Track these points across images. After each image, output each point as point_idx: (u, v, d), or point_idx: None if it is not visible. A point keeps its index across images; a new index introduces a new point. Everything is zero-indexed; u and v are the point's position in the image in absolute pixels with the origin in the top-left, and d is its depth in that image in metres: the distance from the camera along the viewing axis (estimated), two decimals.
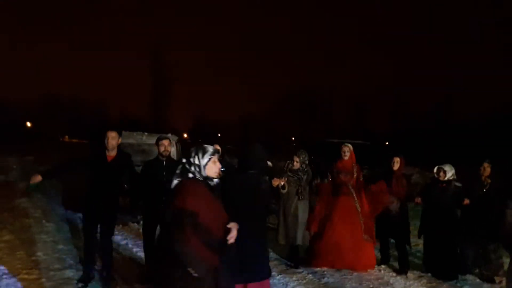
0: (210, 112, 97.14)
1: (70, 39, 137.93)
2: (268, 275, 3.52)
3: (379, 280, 5.37)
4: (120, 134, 4.79)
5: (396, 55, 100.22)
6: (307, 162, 5.93)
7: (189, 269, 2.44)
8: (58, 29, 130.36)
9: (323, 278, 5.39)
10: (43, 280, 4.76)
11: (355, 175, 5.87)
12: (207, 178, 2.73)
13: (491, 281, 5.47)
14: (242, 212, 3.36)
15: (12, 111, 55.44)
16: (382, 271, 5.70)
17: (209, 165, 2.73)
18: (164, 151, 4.90)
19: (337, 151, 6.08)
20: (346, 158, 5.90)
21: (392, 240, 6.03)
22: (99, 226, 4.68)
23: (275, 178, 5.29)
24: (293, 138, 50.69)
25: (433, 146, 36.26)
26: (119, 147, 4.77)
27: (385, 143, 42.48)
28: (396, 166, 5.88)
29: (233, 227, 2.73)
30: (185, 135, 60.11)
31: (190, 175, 2.69)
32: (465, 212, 5.74)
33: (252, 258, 3.37)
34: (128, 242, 6.55)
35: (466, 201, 5.51)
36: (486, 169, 5.66)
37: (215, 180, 2.77)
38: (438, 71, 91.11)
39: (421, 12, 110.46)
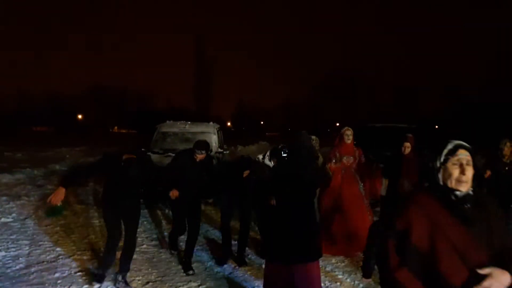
0: (252, 99, 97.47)
1: (119, 30, 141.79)
2: (312, 259, 3.47)
3: None
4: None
5: (446, 37, 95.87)
6: (318, 147, 6.08)
7: None
8: (106, 19, 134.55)
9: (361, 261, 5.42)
10: (95, 260, 5.10)
11: (357, 158, 5.89)
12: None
13: None
14: (289, 199, 3.48)
15: (65, 104, 58.38)
16: None
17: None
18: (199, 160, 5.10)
19: (380, 135, 6.03)
20: (348, 142, 5.88)
21: None
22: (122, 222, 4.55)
23: None
24: (338, 124, 50.05)
25: (484, 128, 34.59)
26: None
27: (434, 126, 41.05)
28: (406, 151, 5.78)
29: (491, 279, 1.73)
30: (229, 123, 60.74)
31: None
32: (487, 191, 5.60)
33: (296, 241, 3.43)
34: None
35: (488, 173, 5.46)
36: (508, 146, 5.56)
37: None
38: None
39: None
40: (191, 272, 4.81)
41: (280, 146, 5.89)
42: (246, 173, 5.10)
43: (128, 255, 4.46)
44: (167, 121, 10.27)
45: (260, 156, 5.85)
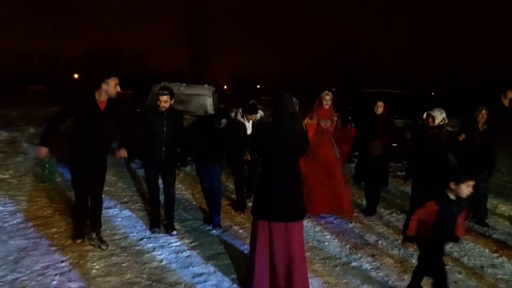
0: (249, 65, 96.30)
1: None
2: (293, 219, 3.56)
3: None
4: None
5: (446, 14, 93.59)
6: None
7: None
8: None
9: (351, 222, 5.62)
10: None
11: (335, 122, 5.91)
12: None
13: (484, 224, 5.71)
14: (274, 158, 3.57)
15: (61, 66, 57.69)
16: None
17: None
18: (162, 106, 4.74)
19: (375, 101, 6.03)
20: (327, 107, 5.88)
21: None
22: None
23: None
24: (333, 89, 49.80)
25: (480, 98, 34.53)
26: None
27: (430, 93, 40.91)
28: (379, 111, 5.89)
29: None
30: (225, 87, 60.30)
31: None
32: (463, 157, 5.78)
33: (278, 199, 3.55)
34: None
35: (463, 136, 5.64)
36: (484, 115, 5.69)
37: None
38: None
39: None
40: (175, 232, 4.90)
41: (251, 102, 5.95)
42: (223, 122, 5.08)
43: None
44: (162, 83, 10.22)
45: (233, 114, 5.94)
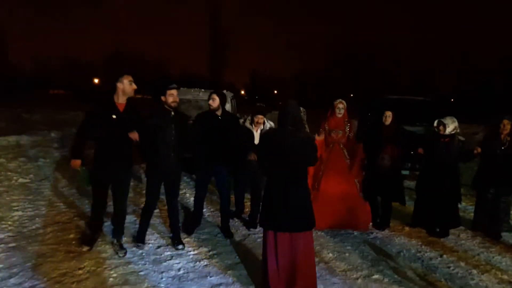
0: (266, 69, 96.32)
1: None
2: (297, 230, 3.49)
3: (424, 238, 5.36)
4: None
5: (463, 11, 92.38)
6: (305, 118, 6.04)
7: None
8: None
9: (372, 233, 5.47)
10: (108, 222, 5.21)
11: (347, 133, 5.64)
12: None
13: (497, 237, 5.45)
14: (278, 167, 3.52)
15: (82, 69, 58.71)
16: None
17: None
18: (172, 102, 4.43)
19: (396, 108, 5.88)
20: (340, 115, 5.63)
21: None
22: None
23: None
24: (352, 95, 49.38)
25: (501, 104, 33.83)
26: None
27: (450, 100, 40.30)
28: (387, 121, 5.57)
29: None
30: (242, 92, 60.42)
31: None
32: (482, 170, 5.64)
33: (282, 209, 3.47)
34: None
35: (478, 150, 5.39)
36: (506, 126, 5.41)
37: None
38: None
39: None
40: (180, 246, 4.64)
41: (258, 104, 5.80)
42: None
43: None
44: (181, 88, 10.24)
45: (241, 120, 5.84)
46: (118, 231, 4.56)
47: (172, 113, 4.46)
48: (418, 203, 5.73)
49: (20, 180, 7.03)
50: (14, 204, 5.80)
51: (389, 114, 5.58)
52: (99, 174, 4.37)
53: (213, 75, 52.70)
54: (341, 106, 5.67)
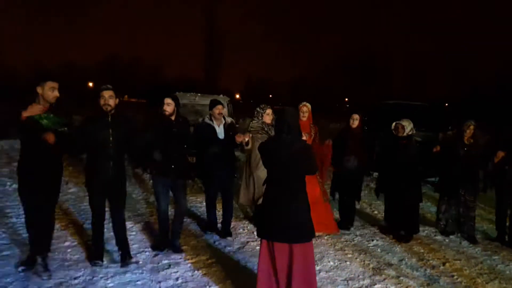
0: (261, 73, 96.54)
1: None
2: (295, 241, 3.38)
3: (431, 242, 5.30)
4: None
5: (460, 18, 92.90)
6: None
7: None
8: None
9: (372, 240, 5.40)
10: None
11: (312, 136, 5.60)
12: None
13: (473, 241, 5.48)
14: (276, 174, 3.45)
15: (77, 74, 58.44)
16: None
17: None
18: (105, 104, 4.03)
19: (393, 113, 5.89)
20: (304, 119, 5.57)
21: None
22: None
23: (238, 134, 5.08)
24: (346, 99, 49.53)
25: (494, 109, 34.00)
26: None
27: (444, 104, 40.45)
28: (354, 124, 5.69)
29: None
30: (237, 96, 60.38)
31: None
32: (445, 172, 5.72)
33: (279, 219, 3.39)
34: None
35: (437, 148, 5.63)
36: (471, 128, 5.55)
37: None
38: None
39: None
40: (132, 261, 4.35)
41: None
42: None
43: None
44: (177, 93, 10.16)
45: (200, 119, 5.79)
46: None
47: (109, 117, 4.06)
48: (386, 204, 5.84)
49: (14, 185, 6.88)
50: (8, 210, 5.68)
51: (356, 117, 5.73)
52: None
53: (209, 80, 52.50)
54: (304, 109, 5.64)
